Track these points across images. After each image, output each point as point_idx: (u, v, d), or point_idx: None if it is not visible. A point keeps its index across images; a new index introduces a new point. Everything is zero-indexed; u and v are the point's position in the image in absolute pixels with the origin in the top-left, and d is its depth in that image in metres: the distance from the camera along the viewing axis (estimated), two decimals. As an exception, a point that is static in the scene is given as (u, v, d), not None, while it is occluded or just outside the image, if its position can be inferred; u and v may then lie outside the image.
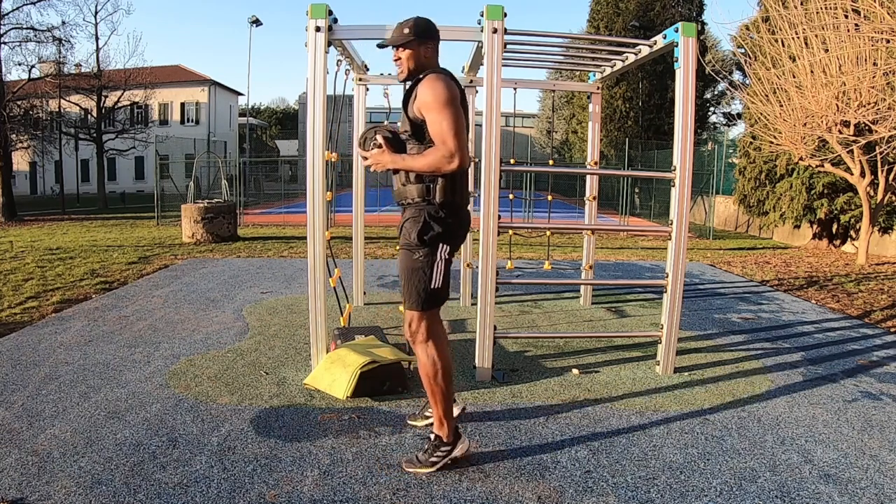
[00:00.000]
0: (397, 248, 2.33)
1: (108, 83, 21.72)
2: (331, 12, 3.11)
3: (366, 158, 2.31)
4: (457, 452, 2.33)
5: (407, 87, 2.39)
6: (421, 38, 2.29)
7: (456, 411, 2.61)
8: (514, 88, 5.06)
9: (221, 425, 2.67)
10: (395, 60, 2.37)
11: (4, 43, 16.48)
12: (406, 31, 2.30)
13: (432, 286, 2.26)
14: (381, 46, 2.42)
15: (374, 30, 3.22)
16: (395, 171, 2.31)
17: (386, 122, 3.35)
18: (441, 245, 2.26)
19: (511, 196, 5.60)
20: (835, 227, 10.10)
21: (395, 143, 2.29)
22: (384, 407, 2.92)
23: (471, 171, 2.32)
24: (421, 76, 2.27)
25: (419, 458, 2.33)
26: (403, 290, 2.31)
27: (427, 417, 2.73)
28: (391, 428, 2.69)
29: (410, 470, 2.31)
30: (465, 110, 2.29)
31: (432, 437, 2.35)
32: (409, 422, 2.76)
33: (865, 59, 5.95)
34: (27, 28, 17.27)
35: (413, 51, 2.31)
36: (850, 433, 2.72)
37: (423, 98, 2.17)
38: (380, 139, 2.27)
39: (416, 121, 2.23)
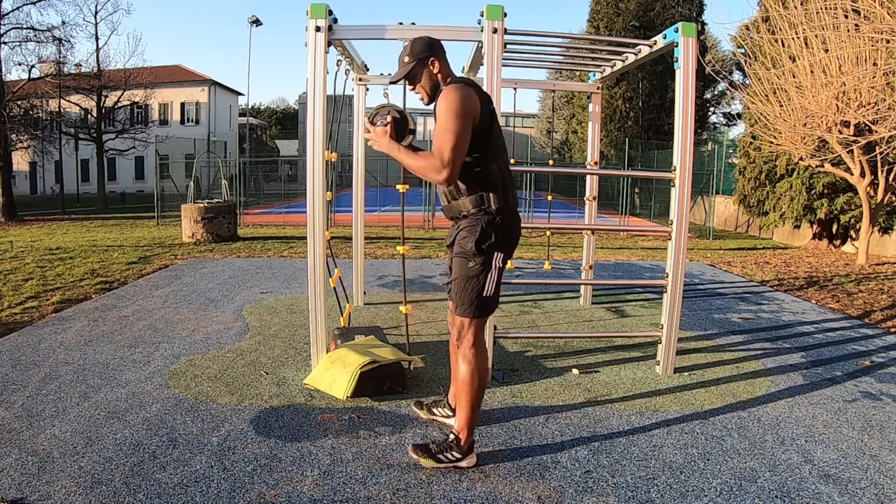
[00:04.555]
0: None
1: (108, 83, 21.72)
2: (331, 12, 3.11)
3: (368, 132, 2.30)
4: (464, 464, 2.34)
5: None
6: (423, 58, 2.28)
7: None
8: (514, 88, 5.07)
9: (221, 425, 2.67)
10: (412, 90, 2.38)
11: (4, 43, 16.48)
12: (406, 59, 2.30)
13: (485, 294, 2.27)
14: (392, 83, 2.42)
15: (374, 30, 3.22)
16: (448, 184, 2.26)
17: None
18: (496, 253, 2.27)
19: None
20: (835, 227, 10.10)
21: (401, 127, 2.28)
22: (384, 407, 2.92)
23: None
24: (445, 88, 2.25)
25: (431, 447, 2.34)
26: (456, 296, 2.31)
27: (434, 414, 2.75)
28: (391, 428, 2.69)
29: (415, 456, 2.33)
30: (494, 120, 2.26)
31: (452, 436, 2.36)
32: (413, 408, 2.80)
33: (865, 60, 5.95)
34: (27, 28, 17.27)
35: (421, 73, 2.30)
36: (850, 433, 2.72)
37: (439, 105, 2.16)
38: (388, 118, 2.25)
39: None
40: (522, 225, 2.43)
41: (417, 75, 2.31)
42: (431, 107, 2.40)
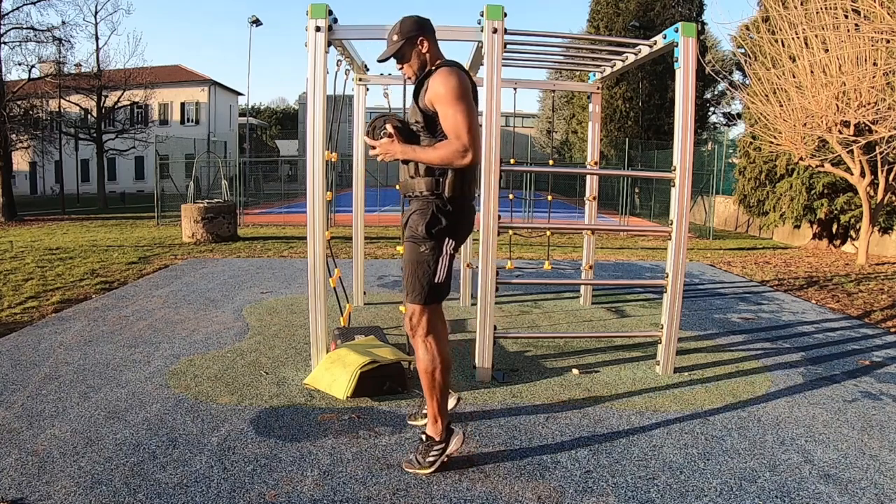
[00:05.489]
0: (399, 245, 2.32)
1: (108, 83, 21.73)
2: (331, 12, 3.11)
3: (373, 147, 2.27)
4: (451, 448, 2.32)
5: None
6: (411, 37, 2.27)
7: (451, 403, 2.60)
8: (514, 88, 5.06)
9: (221, 425, 2.67)
10: (400, 69, 2.37)
11: (4, 43, 16.48)
12: (395, 37, 2.29)
13: (436, 280, 2.25)
14: (380, 61, 2.42)
15: (374, 30, 3.22)
16: (405, 162, 2.28)
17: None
18: (447, 239, 2.25)
19: (511, 196, 5.60)
20: (835, 227, 10.10)
21: (405, 133, 2.25)
22: (384, 407, 2.92)
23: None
24: (433, 68, 2.24)
25: (416, 459, 2.33)
26: (406, 282, 2.29)
27: (426, 416, 2.72)
28: (391, 428, 2.69)
29: (410, 470, 2.32)
30: (476, 104, 2.26)
31: (424, 437, 2.35)
32: (410, 422, 2.76)
33: (865, 59, 5.95)
34: (27, 28, 17.28)
35: (409, 53, 2.29)
36: (850, 433, 2.72)
37: (436, 90, 2.14)
38: (389, 128, 2.22)
39: (428, 112, 2.20)
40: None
41: (406, 54, 2.30)
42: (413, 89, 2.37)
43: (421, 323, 2.28)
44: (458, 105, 2.11)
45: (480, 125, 3.19)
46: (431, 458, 2.30)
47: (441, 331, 2.34)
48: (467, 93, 2.15)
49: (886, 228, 9.19)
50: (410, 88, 2.42)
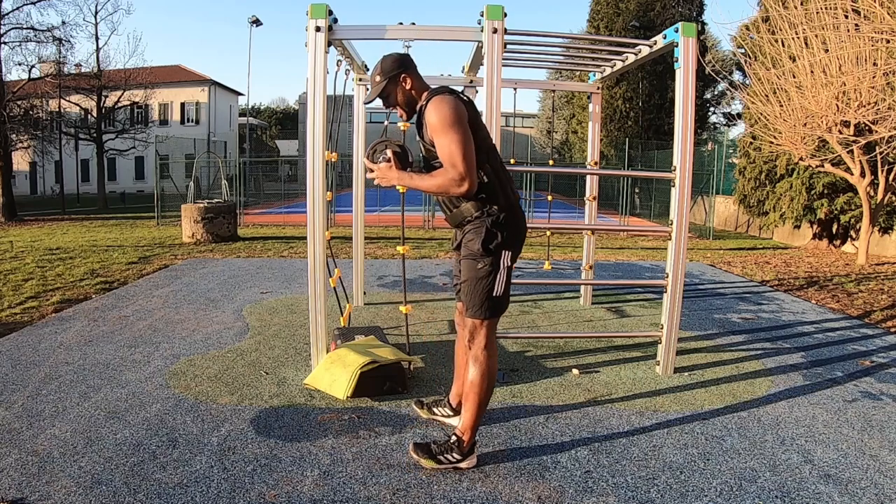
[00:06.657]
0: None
1: (108, 83, 21.70)
2: (331, 12, 3.11)
3: (372, 171, 2.29)
4: (463, 465, 2.34)
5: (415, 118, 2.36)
6: (394, 75, 2.27)
7: None
8: (514, 88, 5.07)
9: (221, 425, 2.68)
10: (390, 109, 2.37)
11: (4, 43, 16.48)
12: (378, 78, 2.29)
13: (495, 294, 2.26)
14: (366, 104, 2.44)
15: (374, 30, 3.22)
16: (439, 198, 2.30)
17: (396, 124, 3.34)
18: (504, 252, 2.26)
19: (511, 196, 5.58)
20: (835, 227, 10.10)
21: (404, 159, 2.27)
22: (384, 407, 2.92)
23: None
24: (425, 102, 2.22)
25: (432, 448, 2.34)
26: (466, 298, 2.30)
27: (434, 413, 2.76)
28: (391, 428, 2.69)
29: (415, 456, 2.34)
30: (478, 122, 2.24)
31: (454, 437, 2.35)
32: (414, 406, 2.81)
33: (865, 60, 5.95)
34: (27, 28, 17.27)
35: (394, 91, 2.29)
36: (850, 433, 2.72)
37: (430, 121, 2.13)
38: (389, 153, 2.24)
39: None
40: None
41: (391, 93, 2.30)
42: (413, 120, 2.38)
43: (479, 336, 2.30)
44: (451, 133, 2.08)
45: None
46: (444, 459, 2.32)
47: (494, 345, 2.36)
48: (461, 119, 2.10)
49: (886, 228, 9.19)
50: None
